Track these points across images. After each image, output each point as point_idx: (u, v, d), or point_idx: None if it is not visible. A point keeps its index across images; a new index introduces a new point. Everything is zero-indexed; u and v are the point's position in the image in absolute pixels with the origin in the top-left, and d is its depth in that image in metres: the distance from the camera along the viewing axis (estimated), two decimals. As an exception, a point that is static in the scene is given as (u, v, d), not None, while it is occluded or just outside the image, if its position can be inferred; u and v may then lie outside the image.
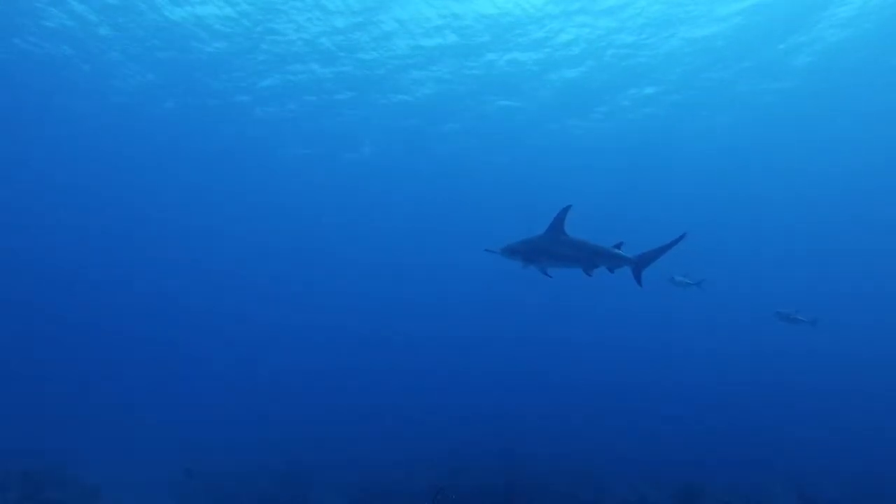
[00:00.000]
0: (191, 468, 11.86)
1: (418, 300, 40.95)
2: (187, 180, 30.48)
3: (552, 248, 6.48)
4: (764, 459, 14.36)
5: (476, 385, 25.05)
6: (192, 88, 20.44)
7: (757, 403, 21.12)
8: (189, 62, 18.47)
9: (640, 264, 6.88)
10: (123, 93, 20.59)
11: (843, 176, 27.64)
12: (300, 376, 27.29)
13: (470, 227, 32.17)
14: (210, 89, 20.48)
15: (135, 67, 19.01)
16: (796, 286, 38.04)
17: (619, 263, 6.79)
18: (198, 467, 12.22)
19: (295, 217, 36.28)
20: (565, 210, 6.43)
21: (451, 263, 38.20)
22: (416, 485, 11.54)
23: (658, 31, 16.64)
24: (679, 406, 20.38)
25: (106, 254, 36.75)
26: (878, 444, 15.95)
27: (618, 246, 6.77)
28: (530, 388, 24.27)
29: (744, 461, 14.09)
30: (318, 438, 16.16)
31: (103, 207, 32.54)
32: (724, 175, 28.78)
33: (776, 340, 27.14)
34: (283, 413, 19.99)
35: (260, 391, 23.96)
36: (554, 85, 20.01)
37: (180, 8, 15.60)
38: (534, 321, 36.72)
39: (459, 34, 16.99)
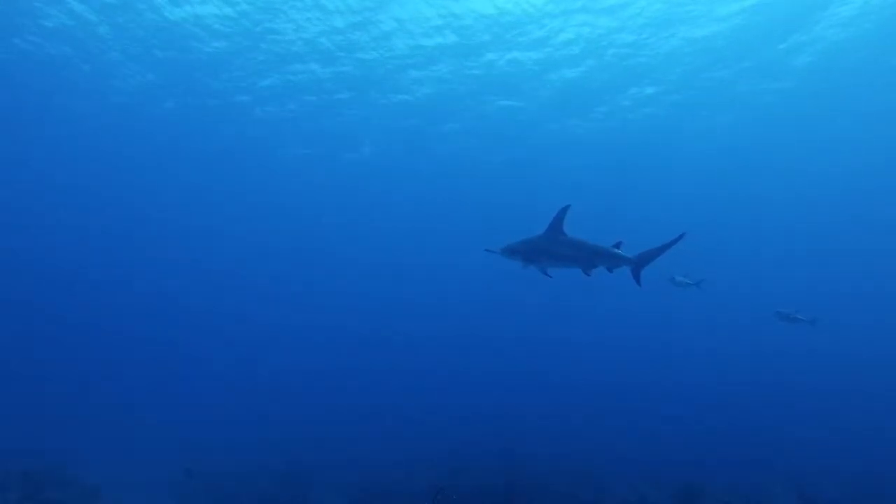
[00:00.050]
0: (191, 468, 11.86)
1: (418, 300, 40.95)
2: (187, 180, 30.47)
3: (551, 248, 6.48)
4: (764, 459, 14.35)
5: (476, 385, 25.06)
6: (191, 88, 20.44)
7: (757, 403, 21.12)
8: (189, 62, 18.47)
9: (639, 264, 6.88)
10: (123, 93, 20.58)
11: (843, 176, 27.62)
12: (300, 376, 27.30)
13: (470, 227, 32.15)
14: (210, 89, 20.48)
15: (134, 67, 19.01)
16: (796, 286, 38.04)
17: (618, 263, 6.79)
18: (198, 467, 12.23)
19: (295, 217, 36.26)
20: (564, 210, 6.42)
21: (451, 263, 38.21)
22: (416, 485, 11.54)
23: (658, 31, 16.63)
24: (679, 406, 20.38)
25: (106, 254, 36.75)
26: (878, 444, 15.95)
27: (617, 245, 6.77)
28: (530, 388, 24.27)
29: (744, 461, 14.09)
30: (318, 438, 16.16)
31: (103, 207, 32.52)
32: (724, 175, 28.76)
33: (776, 340, 27.15)
34: (282, 413, 20.00)
35: (260, 391, 23.97)
36: (554, 85, 20.01)
37: (180, 8, 15.59)
38: (534, 321, 36.73)
39: (459, 34, 16.99)
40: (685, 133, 23.90)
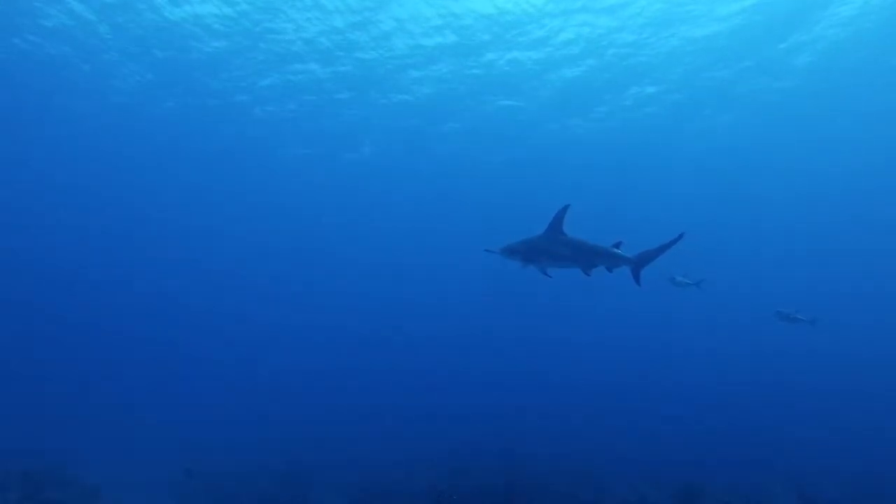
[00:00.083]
0: (191, 468, 11.86)
1: (418, 300, 40.94)
2: (187, 180, 30.46)
3: (551, 247, 6.47)
4: (764, 459, 14.35)
5: (476, 385, 25.06)
6: (191, 88, 20.43)
7: (757, 403, 21.12)
8: (188, 62, 18.46)
9: (638, 264, 6.88)
10: (123, 93, 20.57)
11: (843, 176, 27.61)
12: (300, 376, 27.30)
13: (470, 227, 32.14)
14: (209, 89, 20.47)
15: (134, 67, 19.00)
16: (796, 286, 38.01)
17: (617, 263, 6.79)
18: (198, 467, 12.23)
19: (295, 217, 36.25)
20: (564, 210, 6.42)
21: (451, 263, 38.19)
22: (416, 485, 11.54)
23: (659, 31, 16.63)
24: (679, 406, 20.38)
25: (106, 254, 36.75)
26: (878, 444, 15.94)
27: (616, 245, 6.77)
28: (530, 388, 24.26)
29: (744, 461, 14.09)
30: (318, 438, 16.17)
31: (103, 207, 32.51)
32: (725, 175, 28.75)
33: (776, 340, 27.13)
34: (283, 413, 20.00)
35: (260, 391, 23.98)
36: (554, 84, 20.00)
37: (179, 7, 15.59)
38: (534, 321, 36.72)
39: (459, 34, 16.98)
40: (685, 133, 23.90)
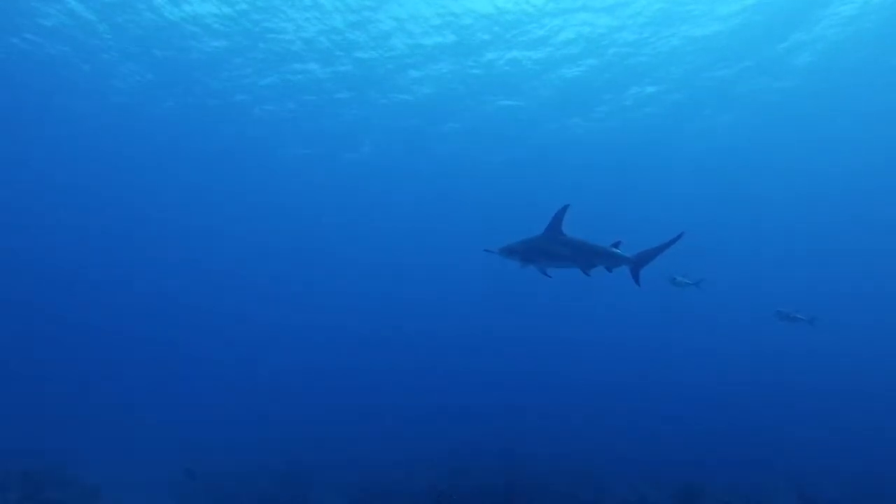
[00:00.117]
0: (192, 469, 11.85)
1: (418, 300, 40.94)
2: (187, 180, 30.45)
3: (550, 247, 6.47)
4: (764, 459, 14.35)
5: (476, 385, 25.05)
6: (191, 88, 20.43)
7: (757, 403, 21.12)
8: (188, 61, 18.45)
9: (638, 263, 6.88)
10: (123, 92, 20.57)
11: (843, 176, 27.61)
12: (300, 376, 27.31)
13: (470, 227, 32.14)
14: (209, 89, 20.47)
15: (134, 67, 19.00)
16: (796, 286, 38.01)
17: (617, 263, 6.78)
18: (198, 467, 12.22)
19: (295, 217, 36.25)
20: (563, 210, 6.41)
21: (452, 263, 38.19)
22: (416, 485, 11.54)
23: (659, 30, 16.62)
24: (679, 406, 20.38)
25: (106, 254, 36.75)
26: (878, 444, 15.93)
27: (616, 245, 6.76)
28: (530, 387, 24.27)
29: (744, 461, 14.09)
30: (318, 438, 16.17)
31: (103, 207, 32.51)
32: (725, 175, 28.74)
33: (776, 340, 27.12)
34: (283, 413, 20.00)
35: (260, 391, 23.98)
36: (554, 84, 19.99)
37: (178, 7, 15.58)
38: (533, 321, 36.71)
39: (459, 33, 16.97)
40: (686, 132, 23.89)
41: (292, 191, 31.81)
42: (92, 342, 32.07)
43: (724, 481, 11.65)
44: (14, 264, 33.71)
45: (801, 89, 19.86)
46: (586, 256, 6.61)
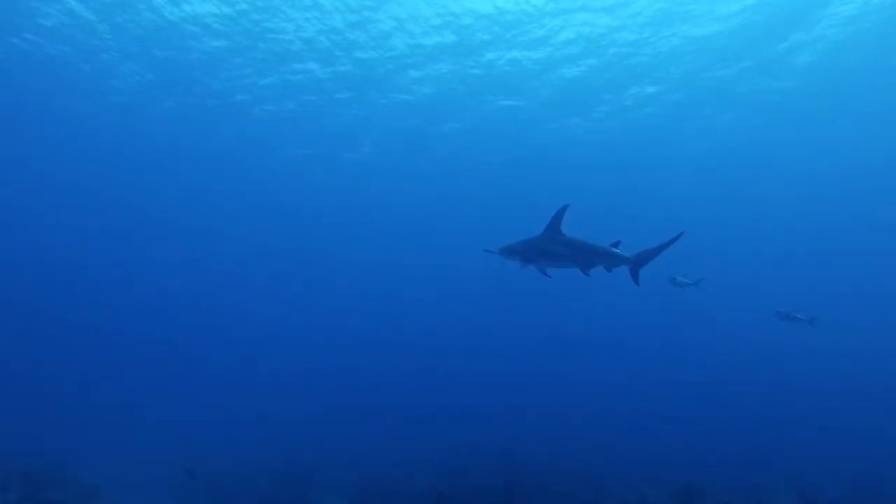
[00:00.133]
0: (192, 469, 11.85)
1: (418, 300, 40.94)
2: (187, 180, 30.46)
3: (549, 247, 6.47)
4: (764, 459, 14.35)
5: (476, 385, 25.05)
6: (191, 88, 20.43)
7: (757, 403, 21.12)
8: (188, 61, 18.45)
9: (637, 263, 6.88)
10: (123, 92, 20.57)
11: (843, 176, 27.61)
12: (300, 376, 27.31)
13: (470, 227, 32.14)
14: (209, 89, 20.47)
15: (134, 67, 19.00)
16: (796, 286, 38.01)
17: (616, 262, 6.78)
18: (198, 467, 12.22)
19: (295, 217, 36.26)
20: (563, 210, 6.41)
21: (451, 263, 38.19)
22: (416, 485, 11.54)
23: (659, 30, 16.62)
24: (679, 406, 20.38)
25: (106, 254, 36.75)
26: (878, 444, 15.93)
27: (615, 245, 6.77)
28: (530, 387, 24.27)
29: (744, 461, 14.09)
30: (318, 438, 16.17)
31: (103, 207, 32.51)
32: (725, 174, 28.75)
33: (776, 340, 27.12)
34: (283, 413, 20.00)
35: (260, 391, 23.98)
36: (554, 84, 19.99)
37: (178, 7, 15.58)
38: (533, 321, 36.71)
39: (458, 33, 16.97)
40: (686, 132, 23.89)
41: (292, 191, 31.82)
42: (92, 342, 32.07)
43: (724, 481, 11.65)
44: (14, 264, 33.71)
45: (801, 89, 19.85)
46: (586, 256, 6.61)
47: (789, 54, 17.87)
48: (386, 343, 35.19)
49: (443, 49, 17.81)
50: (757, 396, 22.23)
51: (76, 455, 12.85)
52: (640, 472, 12.61)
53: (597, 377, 26.90)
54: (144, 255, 36.82)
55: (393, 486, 11.60)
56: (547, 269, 6.65)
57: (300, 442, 15.67)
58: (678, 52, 17.76)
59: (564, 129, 23.87)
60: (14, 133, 23.75)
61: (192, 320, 37.13)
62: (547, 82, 19.87)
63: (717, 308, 32.57)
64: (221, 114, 22.37)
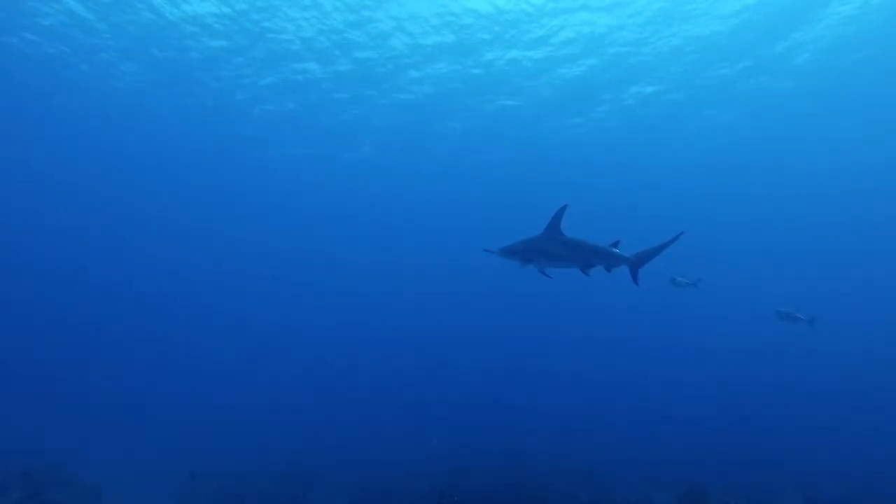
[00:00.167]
0: (194, 470, 11.85)
1: (418, 300, 40.93)
2: (186, 180, 30.44)
3: (549, 247, 6.47)
4: (766, 459, 14.35)
5: (477, 385, 25.05)
6: (190, 88, 20.41)
7: (759, 403, 21.13)
8: (187, 61, 18.43)
9: (637, 263, 6.88)
10: (122, 92, 20.55)
11: (843, 175, 27.60)
12: (300, 377, 27.30)
13: (470, 227, 32.13)
14: (208, 88, 20.45)
15: (132, 66, 18.98)
16: (796, 286, 38.00)
17: (616, 262, 6.78)
18: (199, 468, 12.22)
19: (295, 217, 36.25)
20: (562, 210, 6.41)
21: (451, 263, 38.19)
22: (416, 485, 11.54)
23: (659, 29, 16.60)
24: (680, 406, 20.37)
25: (106, 254, 36.74)
26: (879, 443, 15.93)
27: (615, 244, 6.76)
28: (531, 387, 24.26)
29: (746, 461, 14.09)
30: (319, 439, 16.17)
31: (103, 207, 32.50)
32: (725, 174, 28.73)
33: (777, 340, 27.12)
34: (283, 414, 19.99)
35: (260, 392, 23.97)
36: (554, 84, 19.97)
37: (177, 7, 15.57)
38: (533, 321, 36.70)
39: (458, 33, 16.95)
40: (686, 132, 23.87)
41: (292, 191, 31.80)
42: (92, 342, 32.06)
43: (726, 482, 11.65)
44: (14, 264, 33.70)
45: (801, 89, 19.84)
46: (585, 256, 6.61)
47: (789, 54, 17.85)
48: (386, 343, 35.19)
49: (442, 49, 17.80)
50: (757, 396, 22.25)
51: (77, 455, 12.86)
52: (640, 473, 12.61)
53: (597, 377, 26.90)
54: (144, 255, 36.82)
55: (393, 486, 11.61)
56: (547, 269, 6.64)
57: (301, 442, 15.68)
58: (678, 52, 17.74)
59: (564, 129, 23.85)
60: (13, 133, 23.73)
61: (193, 320, 37.13)
62: (547, 82, 19.85)
63: (717, 308, 32.57)
64: (221, 113, 22.35)
